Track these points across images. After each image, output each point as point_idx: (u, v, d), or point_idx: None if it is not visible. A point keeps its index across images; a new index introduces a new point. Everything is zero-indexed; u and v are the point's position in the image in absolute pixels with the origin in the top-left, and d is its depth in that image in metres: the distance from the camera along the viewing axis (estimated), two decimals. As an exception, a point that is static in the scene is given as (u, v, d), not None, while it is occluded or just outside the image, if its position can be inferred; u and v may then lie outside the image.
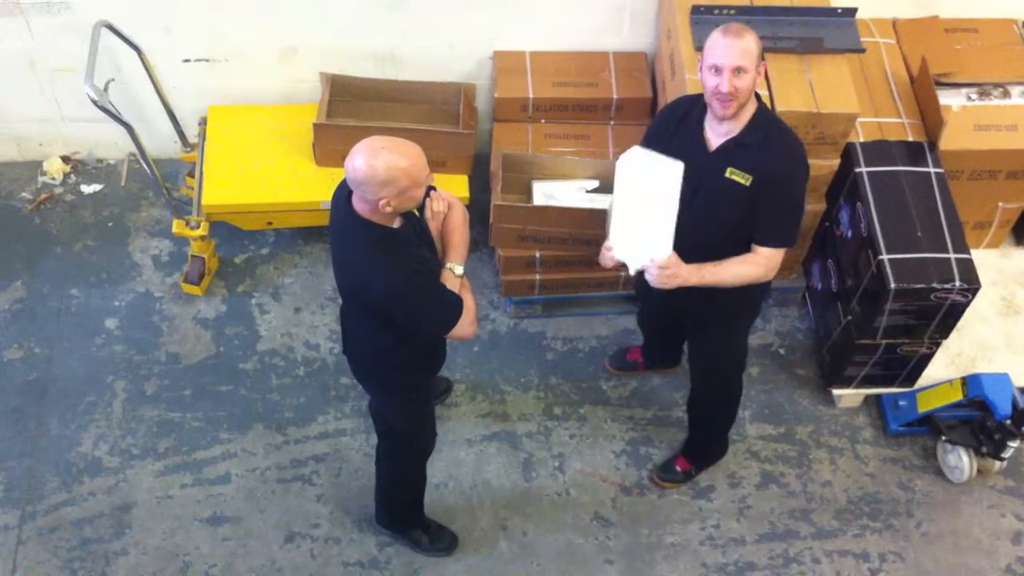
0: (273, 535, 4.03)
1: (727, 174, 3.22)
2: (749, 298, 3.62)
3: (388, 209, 2.87)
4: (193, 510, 4.08)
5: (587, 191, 4.31)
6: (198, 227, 4.48)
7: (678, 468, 4.19)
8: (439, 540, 3.99)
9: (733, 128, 3.20)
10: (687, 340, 4.05)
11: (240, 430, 4.29)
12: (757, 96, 3.23)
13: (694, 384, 4.00)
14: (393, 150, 2.81)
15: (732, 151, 3.22)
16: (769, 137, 3.21)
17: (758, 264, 3.33)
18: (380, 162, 2.79)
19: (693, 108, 3.29)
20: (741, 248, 3.35)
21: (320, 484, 4.16)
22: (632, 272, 3.32)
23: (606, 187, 4.31)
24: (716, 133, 3.24)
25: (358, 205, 2.92)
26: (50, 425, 4.27)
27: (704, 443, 4.17)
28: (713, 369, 3.86)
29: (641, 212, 3.23)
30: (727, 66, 3.05)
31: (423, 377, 3.50)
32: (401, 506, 3.94)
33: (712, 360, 3.83)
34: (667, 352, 4.42)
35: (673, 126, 3.33)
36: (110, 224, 4.91)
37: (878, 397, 4.43)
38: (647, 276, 3.27)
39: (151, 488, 4.13)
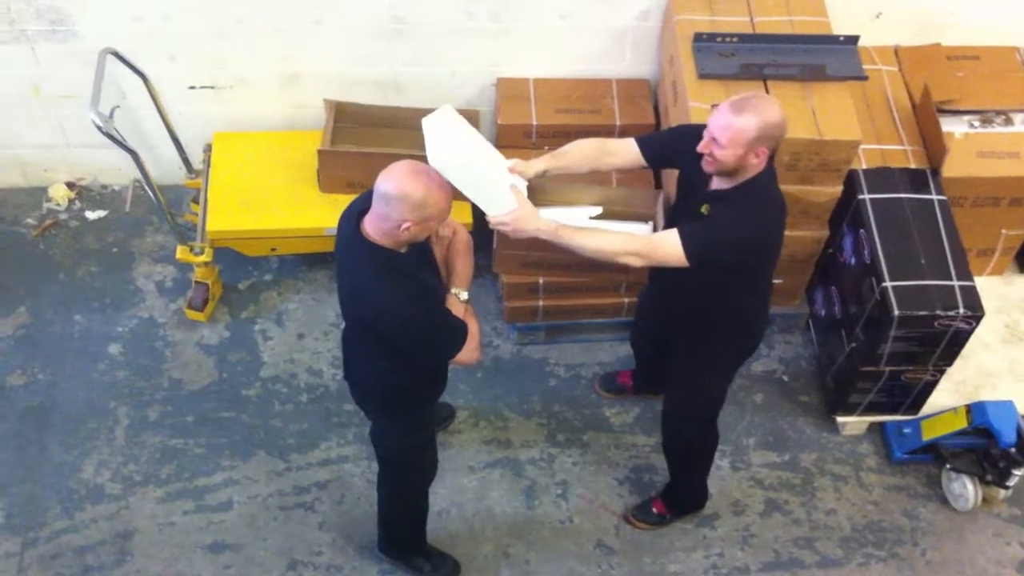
0: (275, 563, 4.02)
1: (702, 209, 3.25)
2: (732, 342, 3.60)
3: (406, 234, 2.89)
4: (195, 537, 4.06)
5: (591, 217, 4.31)
6: (202, 253, 4.49)
7: (654, 510, 4.14)
8: (441, 568, 3.97)
9: (723, 183, 3.22)
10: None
11: (242, 457, 4.28)
12: (769, 170, 3.20)
13: (663, 421, 3.92)
14: (434, 177, 2.89)
15: (715, 197, 3.24)
16: (742, 203, 3.18)
17: (637, 242, 3.20)
18: (421, 183, 2.84)
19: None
20: (713, 287, 3.35)
21: (322, 511, 4.15)
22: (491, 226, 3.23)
23: (610, 213, 4.32)
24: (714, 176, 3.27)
25: (371, 226, 2.93)
26: (52, 451, 4.26)
27: (680, 489, 4.12)
28: (679, 407, 3.81)
29: (468, 173, 3.11)
30: (709, 131, 3.10)
31: (424, 402, 3.49)
32: (403, 533, 3.92)
33: (680, 397, 3.79)
34: (655, 376, 4.40)
35: (685, 144, 3.30)
36: (114, 250, 4.92)
37: (882, 425, 4.42)
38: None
39: (153, 515, 4.11)
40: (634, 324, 4.29)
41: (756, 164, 3.12)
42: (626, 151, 3.45)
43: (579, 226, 3.27)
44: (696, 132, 3.22)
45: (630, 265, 3.23)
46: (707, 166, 3.17)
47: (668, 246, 3.16)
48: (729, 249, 3.17)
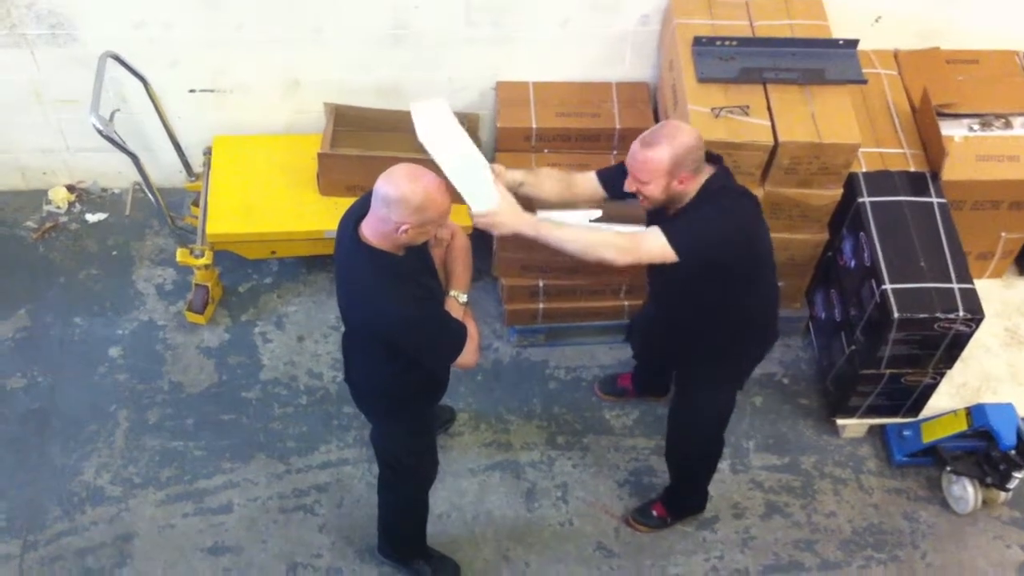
0: (275, 565, 4.01)
1: None
2: (736, 356, 3.61)
3: (404, 237, 2.89)
4: (195, 540, 4.06)
5: (590, 220, 4.31)
6: (202, 256, 4.49)
7: (655, 513, 4.14)
8: (441, 571, 3.96)
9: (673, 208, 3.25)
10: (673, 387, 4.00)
11: (242, 459, 4.28)
12: (718, 171, 3.21)
13: (668, 432, 3.93)
14: (434, 180, 2.89)
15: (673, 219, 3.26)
16: (704, 204, 3.20)
17: (620, 237, 3.21)
18: (420, 186, 2.84)
19: None
20: (704, 307, 3.39)
21: (322, 514, 4.15)
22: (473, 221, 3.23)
23: (609, 216, 4.32)
24: None
25: (369, 230, 2.94)
26: (52, 454, 4.26)
27: (682, 494, 4.12)
28: (688, 423, 3.80)
29: (457, 164, 3.14)
30: (630, 173, 3.15)
31: (425, 405, 3.49)
32: (403, 536, 3.92)
33: (688, 415, 3.78)
34: (655, 379, 4.41)
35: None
36: (114, 253, 4.93)
37: (882, 427, 4.42)
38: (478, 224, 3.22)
39: (153, 517, 4.11)
40: (632, 334, 4.26)
41: (684, 188, 3.15)
42: (588, 184, 3.49)
43: (560, 221, 3.24)
44: None
45: (614, 261, 3.21)
46: (644, 204, 3.21)
47: (653, 241, 3.15)
48: (714, 238, 3.15)
